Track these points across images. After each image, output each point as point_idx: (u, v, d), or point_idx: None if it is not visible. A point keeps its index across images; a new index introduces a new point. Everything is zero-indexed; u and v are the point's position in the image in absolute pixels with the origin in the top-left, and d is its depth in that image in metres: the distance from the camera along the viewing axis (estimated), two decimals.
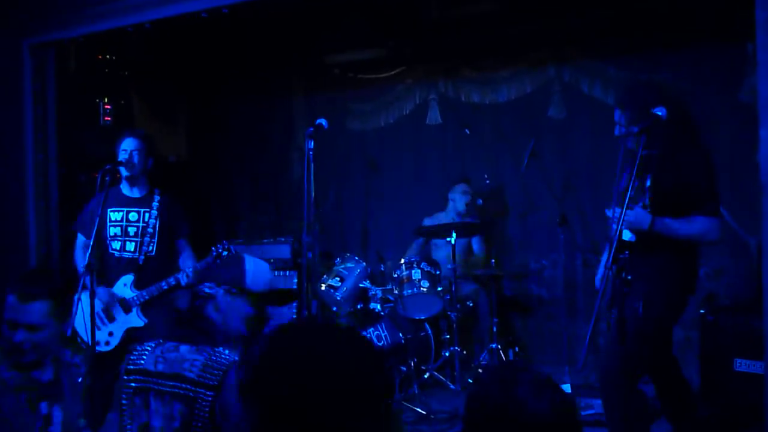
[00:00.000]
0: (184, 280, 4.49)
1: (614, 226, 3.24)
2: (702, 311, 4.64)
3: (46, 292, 2.63)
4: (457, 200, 6.05)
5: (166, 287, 4.51)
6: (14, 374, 2.62)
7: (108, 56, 6.29)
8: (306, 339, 1.51)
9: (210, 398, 2.33)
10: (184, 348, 2.46)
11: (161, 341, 2.51)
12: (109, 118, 6.22)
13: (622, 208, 3.18)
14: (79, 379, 2.87)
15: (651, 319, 3.37)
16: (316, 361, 1.45)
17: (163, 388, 2.39)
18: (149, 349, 2.50)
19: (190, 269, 4.52)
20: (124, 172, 4.54)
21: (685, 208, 3.37)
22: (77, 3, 5.41)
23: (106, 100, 6.22)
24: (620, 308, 3.29)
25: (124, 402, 2.46)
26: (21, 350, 2.60)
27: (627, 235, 3.42)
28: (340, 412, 1.41)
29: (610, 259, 3.08)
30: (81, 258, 4.60)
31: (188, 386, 2.36)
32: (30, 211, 5.60)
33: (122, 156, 4.53)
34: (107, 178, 4.30)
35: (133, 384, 2.45)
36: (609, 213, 3.48)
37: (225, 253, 4.63)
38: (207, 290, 2.65)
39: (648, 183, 3.42)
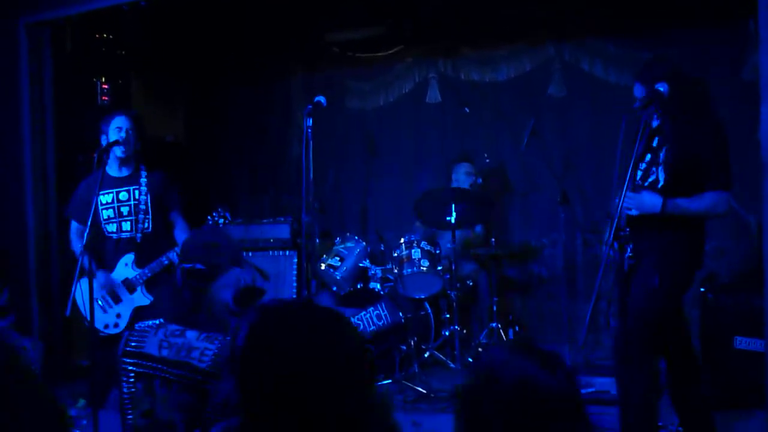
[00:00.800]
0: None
1: (617, 201, 3.23)
2: (702, 289, 4.63)
3: None
4: (461, 181, 6.01)
5: (166, 262, 4.52)
6: None
7: (105, 35, 6.23)
8: (288, 319, 1.51)
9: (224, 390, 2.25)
10: (190, 334, 2.37)
11: (162, 322, 2.46)
12: (106, 98, 6.17)
13: (627, 183, 3.17)
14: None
15: (661, 292, 3.36)
16: (298, 340, 1.44)
17: (170, 376, 2.31)
18: (150, 331, 2.42)
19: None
20: (118, 151, 4.50)
21: (695, 181, 3.36)
22: None
23: (103, 79, 6.16)
24: (625, 284, 3.29)
25: (124, 387, 2.38)
26: None
27: (633, 211, 3.41)
28: (323, 393, 1.40)
29: (611, 235, 3.07)
30: (77, 243, 4.60)
31: (199, 377, 2.28)
32: (27, 191, 5.58)
33: (118, 135, 4.49)
34: (104, 157, 4.27)
35: (133, 368, 2.37)
36: (629, 199, 3.44)
37: (221, 221, 4.63)
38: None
39: (661, 158, 3.40)
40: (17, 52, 5.59)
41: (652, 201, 3.32)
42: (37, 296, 5.56)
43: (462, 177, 6.03)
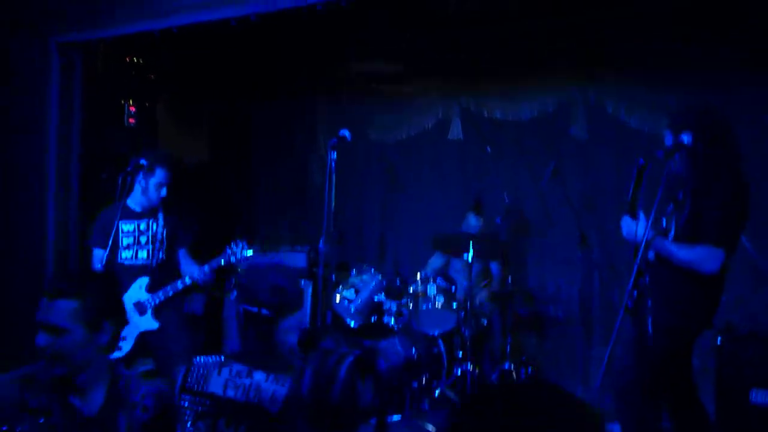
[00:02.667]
0: (201, 278, 4.57)
1: (627, 237, 3.23)
2: (719, 340, 4.58)
3: (73, 290, 2.27)
4: (471, 227, 6.02)
5: (181, 287, 4.58)
6: (42, 399, 2.22)
7: (135, 59, 6.34)
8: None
9: None
10: (258, 375, 2.30)
11: (225, 360, 2.36)
12: (133, 120, 6.27)
13: (646, 231, 3.16)
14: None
15: (657, 342, 3.33)
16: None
17: (239, 417, 2.25)
18: (212, 368, 2.35)
19: (206, 267, 4.56)
20: (154, 203, 4.61)
21: (695, 232, 3.33)
22: (107, 5, 5.47)
23: (131, 101, 6.26)
24: (639, 330, 3.28)
25: (188, 425, 2.30)
26: (44, 358, 2.22)
27: (649, 255, 3.41)
28: None
29: (631, 282, 3.06)
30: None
31: (270, 420, 2.24)
32: (50, 205, 5.65)
33: (157, 193, 4.59)
34: (128, 180, 4.35)
35: (194, 406, 2.30)
36: (623, 224, 3.45)
37: (238, 252, 4.66)
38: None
39: (670, 207, 3.40)
40: (49, 69, 5.69)
41: (640, 231, 3.29)
42: None
43: (471, 225, 6.03)
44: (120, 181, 4.39)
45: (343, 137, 4.26)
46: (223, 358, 2.38)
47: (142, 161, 4.57)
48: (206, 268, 4.60)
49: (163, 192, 4.62)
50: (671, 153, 3.26)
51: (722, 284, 3.49)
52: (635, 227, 3.32)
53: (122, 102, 6.24)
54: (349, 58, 6.92)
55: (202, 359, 2.37)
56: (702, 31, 5.44)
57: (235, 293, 4.53)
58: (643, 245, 3.11)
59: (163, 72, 6.67)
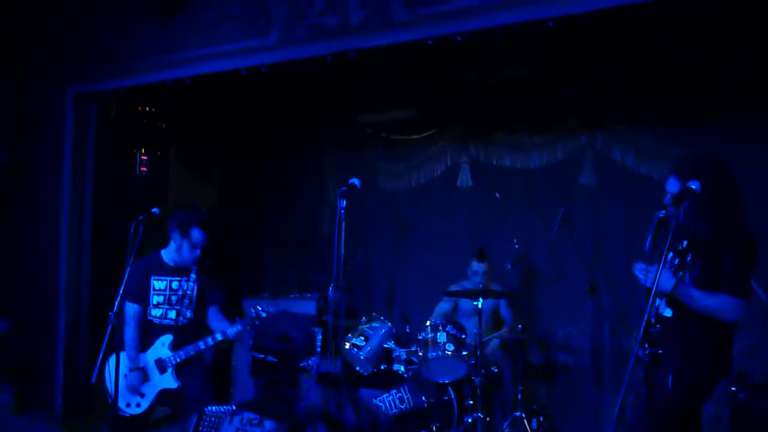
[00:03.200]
0: (219, 339, 4.56)
1: (644, 282, 3.21)
2: (733, 389, 4.54)
3: None
4: (475, 282, 6.02)
5: (203, 347, 4.55)
6: None
7: (147, 108, 6.44)
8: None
9: None
10: (269, 425, 2.29)
11: (236, 409, 2.37)
12: (144, 169, 6.34)
13: (654, 280, 3.15)
14: None
15: (679, 395, 3.30)
16: None
17: None
18: (224, 417, 2.35)
19: (228, 330, 4.53)
20: (178, 260, 4.63)
21: (711, 282, 3.33)
22: (121, 56, 5.59)
23: (143, 150, 6.35)
24: (650, 382, 3.24)
25: None
26: None
27: (667, 312, 3.39)
28: None
29: (641, 332, 3.04)
30: (131, 328, 4.60)
31: None
32: (62, 253, 5.70)
33: (196, 253, 4.62)
34: (140, 229, 4.35)
35: None
36: (637, 271, 3.43)
37: (264, 314, 4.61)
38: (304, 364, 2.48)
39: (689, 256, 3.40)
40: (64, 119, 5.80)
41: (665, 278, 3.28)
42: (63, 359, 5.59)
43: (474, 270, 6.03)
44: (132, 230, 4.41)
45: (353, 185, 4.29)
46: (234, 407, 2.38)
47: (181, 216, 4.64)
48: (229, 332, 4.54)
49: (197, 253, 4.62)
50: (680, 200, 3.26)
51: (734, 332, 3.48)
52: (657, 275, 3.32)
53: (134, 151, 6.32)
54: (358, 108, 7.01)
55: (213, 408, 2.38)
56: (708, 82, 5.50)
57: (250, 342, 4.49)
58: (653, 292, 3.10)
59: (175, 121, 6.77)
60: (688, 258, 3.40)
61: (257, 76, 5.24)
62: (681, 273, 3.40)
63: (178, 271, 4.68)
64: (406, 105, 6.89)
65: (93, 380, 4.00)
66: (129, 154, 6.32)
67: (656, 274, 3.09)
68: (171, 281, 4.66)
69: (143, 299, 4.49)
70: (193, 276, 4.67)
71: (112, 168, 6.10)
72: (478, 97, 6.43)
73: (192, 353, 4.54)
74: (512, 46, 5.27)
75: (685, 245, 3.44)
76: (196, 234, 4.62)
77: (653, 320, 3.28)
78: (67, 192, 5.71)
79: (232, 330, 4.55)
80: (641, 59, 5.42)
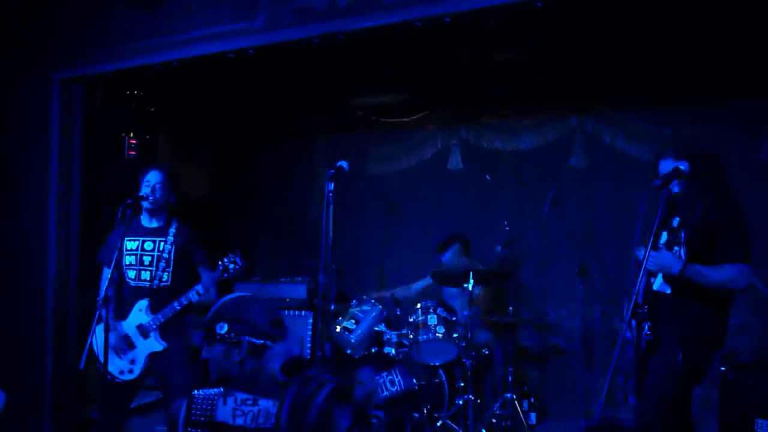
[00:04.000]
0: (195, 298, 4.53)
1: (636, 279, 3.23)
2: (723, 368, 4.55)
3: None
4: (453, 262, 6.04)
5: (179, 307, 4.51)
6: None
7: (135, 92, 6.39)
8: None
9: None
10: (264, 402, 2.31)
11: (226, 390, 2.38)
12: (133, 153, 6.30)
13: (646, 260, 3.17)
14: None
15: (684, 370, 3.34)
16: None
17: None
18: (217, 398, 2.36)
19: (199, 287, 4.53)
20: (145, 204, 4.57)
21: (715, 256, 3.36)
22: (107, 40, 5.53)
23: (131, 135, 6.30)
24: (642, 362, 3.26)
25: None
26: None
27: (657, 285, 3.41)
28: None
29: (629, 313, 3.06)
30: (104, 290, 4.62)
31: None
32: (51, 241, 5.65)
33: (144, 189, 4.57)
34: (128, 212, 4.35)
35: None
36: (638, 253, 3.47)
37: (231, 266, 4.64)
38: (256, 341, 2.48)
39: (682, 238, 3.42)
40: (49, 105, 5.73)
41: (672, 261, 3.34)
42: (52, 347, 5.57)
43: (445, 259, 6.05)
44: (120, 213, 4.39)
45: (341, 168, 4.27)
46: (222, 389, 2.38)
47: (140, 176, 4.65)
48: (200, 287, 4.55)
49: (147, 190, 4.55)
50: (668, 181, 3.29)
51: (729, 308, 3.53)
52: (667, 258, 3.35)
53: (122, 135, 6.27)
54: (348, 91, 6.98)
55: (201, 392, 2.39)
56: (696, 63, 5.49)
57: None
58: (642, 274, 3.12)
59: (164, 106, 6.72)
60: (682, 235, 3.43)
61: (245, 60, 5.19)
62: (675, 248, 3.43)
63: (154, 231, 4.65)
64: (396, 88, 6.86)
65: (81, 366, 4.00)
66: (117, 139, 6.27)
67: (667, 257, 3.12)
68: (144, 241, 4.62)
69: (116, 263, 4.32)
70: (170, 238, 4.63)
71: (100, 153, 6.04)
72: (468, 79, 6.40)
73: (170, 314, 4.50)
74: (501, 27, 5.24)
75: (677, 223, 3.47)
76: (150, 173, 4.61)
77: (641, 301, 3.29)
78: (55, 178, 5.66)
79: (205, 282, 4.56)
80: (630, 41, 5.40)
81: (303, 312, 6.28)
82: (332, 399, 2.22)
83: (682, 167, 3.30)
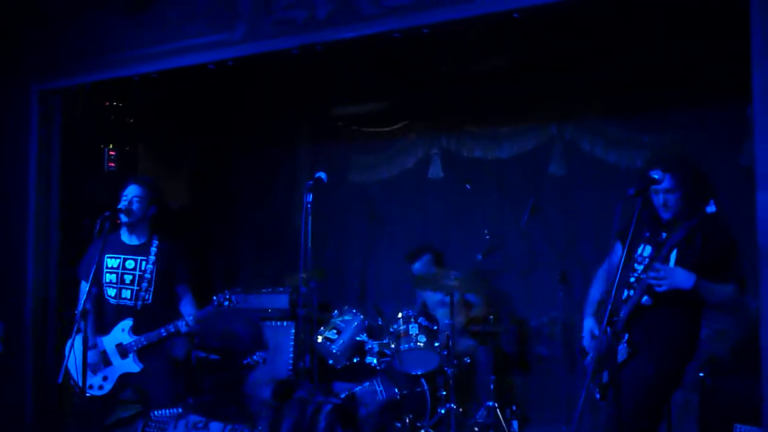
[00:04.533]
0: (183, 328, 4.50)
1: (611, 290, 3.26)
2: (701, 374, 4.58)
3: None
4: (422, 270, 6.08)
5: (165, 334, 4.50)
6: None
7: (114, 103, 6.36)
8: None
9: None
10: (215, 427, 2.21)
11: (182, 412, 2.30)
12: (113, 164, 6.27)
13: (619, 270, 3.18)
14: None
15: (656, 383, 3.36)
16: None
17: None
18: (169, 422, 2.28)
19: (191, 317, 4.52)
20: (123, 218, 4.55)
21: (716, 273, 3.40)
22: (86, 52, 5.51)
23: (110, 146, 6.27)
24: (613, 370, 3.28)
25: None
26: None
27: (647, 301, 3.44)
28: None
29: (605, 321, 3.08)
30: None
31: None
32: (29, 254, 5.61)
33: (122, 203, 4.56)
34: (106, 225, 4.34)
35: None
36: (651, 280, 3.45)
37: (226, 303, 4.62)
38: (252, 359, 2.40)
39: (675, 252, 3.44)
40: (28, 116, 5.71)
41: (685, 275, 3.33)
42: (32, 362, 5.53)
43: (423, 270, 6.11)
44: (98, 226, 4.38)
45: (319, 179, 4.30)
46: (181, 409, 2.32)
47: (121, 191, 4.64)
48: (190, 318, 4.53)
49: (124, 203, 4.55)
50: (642, 190, 3.30)
51: (700, 320, 3.56)
52: (679, 273, 3.36)
53: (101, 147, 6.24)
54: (328, 101, 6.99)
55: (159, 413, 2.33)
56: (674, 69, 5.54)
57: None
58: (615, 283, 3.13)
59: (143, 116, 6.70)
60: (673, 254, 3.44)
61: (225, 71, 5.20)
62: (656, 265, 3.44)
63: (135, 249, 4.63)
64: (376, 97, 6.88)
65: (59, 380, 3.98)
66: (96, 151, 6.23)
67: (615, 280, 3.14)
68: (125, 260, 4.61)
69: (95, 278, 4.35)
70: (152, 257, 4.61)
71: (80, 165, 6.01)
72: (448, 88, 6.42)
73: (154, 340, 4.49)
74: (480, 38, 5.27)
75: (663, 237, 3.48)
76: (129, 188, 4.61)
77: (617, 311, 3.32)
78: (33, 190, 5.62)
79: (197, 315, 4.53)
80: (607, 48, 5.44)
81: (285, 323, 6.26)
82: (335, 419, 2.17)
83: (656, 176, 3.32)
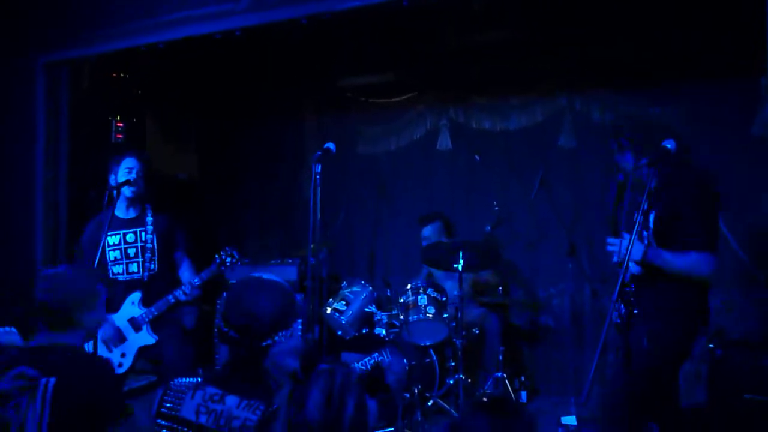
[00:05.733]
0: (189, 291, 4.51)
1: (617, 258, 3.23)
2: (711, 345, 4.57)
3: None
4: (431, 238, 6.06)
5: (173, 301, 4.52)
6: None
7: (121, 75, 6.33)
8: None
9: None
10: (231, 400, 2.18)
11: (200, 382, 2.26)
12: (120, 136, 6.25)
13: (629, 238, 3.16)
14: None
15: (656, 354, 3.33)
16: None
17: None
18: (187, 392, 2.24)
19: (196, 279, 4.53)
20: (127, 192, 4.54)
21: (679, 240, 3.34)
22: (92, 23, 5.48)
23: (118, 118, 6.25)
24: (624, 342, 3.27)
25: None
26: None
27: (633, 268, 3.40)
28: None
29: (616, 292, 3.06)
30: None
31: None
32: (38, 228, 5.62)
33: (128, 175, 4.54)
34: (114, 197, 4.33)
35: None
36: (610, 245, 3.45)
37: (229, 260, 4.64)
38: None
39: (651, 215, 3.41)
40: (35, 89, 5.69)
41: (634, 247, 3.29)
42: None
43: (424, 236, 6.07)
44: (106, 197, 4.38)
45: (328, 150, 4.26)
46: (200, 379, 2.27)
47: (110, 161, 4.65)
48: (196, 280, 4.56)
49: (132, 176, 4.55)
50: (657, 160, 3.26)
51: (708, 288, 3.51)
52: (622, 245, 3.33)
53: (109, 118, 6.21)
54: (336, 71, 6.94)
55: (178, 381, 2.28)
56: (686, 42, 5.48)
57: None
58: (627, 257, 3.10)
59: (151, 88, 6.66)
60: (651, 217, 3.41)
61: (232, 40, 5.16)
62: (645, 233, 3.42)
63: (132, 222, 4.64)
64: (384, 68, 6.83)
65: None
66: (104, 122, 6.20)
67: (629, 243, 3.11)
68: (125, 234, 4.61)
69: (95, 259, 4.30)
70: (149, 227, 4.62)
71: (87, 137, 5.99)
72: (457, 59, 6.36)
73: (164, 308, 4.52)
74: (489, 7, 5.21)
75: (646, 206, 3.44)
76: (129, 160, 4.60)
77: (627, 280, 3.29)
78: (41, 164, 5.62)
79: (202, 276, 4.56)
80: (620, 20, 5.38)
81: (292, 296, 6.25)
82: (363, 390, 2.13)
83: (669, 146, 3.27)
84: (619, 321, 3.32)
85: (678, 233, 3.33)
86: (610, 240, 3.42)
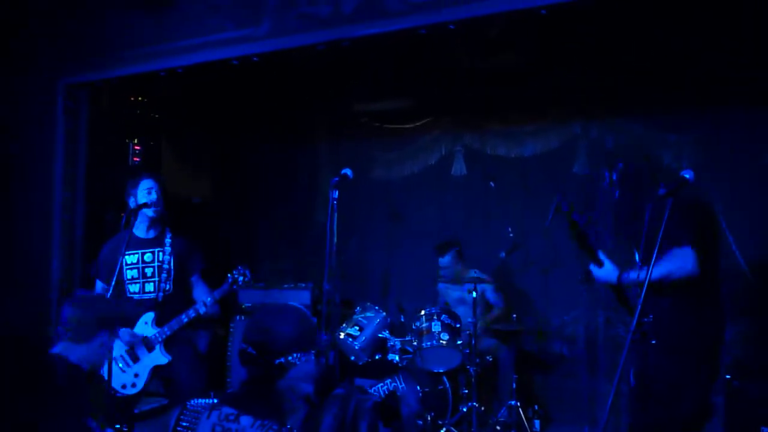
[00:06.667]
0: (202, 310, 4.52)
1: (636, 289, 3.22)
2: (728, 376, 4.54)
3: None
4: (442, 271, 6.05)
5: (186, 320, 4.52)
6: None
7: (140, 98, 6.40)
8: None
9: None
10: (245, 420, 2.18)
11: (217, 403, 2.27)
12: (137, 159, 6.30)
13: (650, 269, 3.15)
14: None
15: (672, 386, 3.32)
16: None
17: None
18: (203, 412, 2.26)
19: (208, 298, 4.53)
20: (149, 213, 4.57)
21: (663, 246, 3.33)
22: (114, 46, 5.55)
23: (135, 140, 6.31)
24: (641, 372, 3.25)
25: None
26: None
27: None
28: None
29: (634, 323, 3.05)
30: None
31: None
32: (55, 247, 5.66)
33: (148, 197, 4.57)
34: (132, 218, 4.36)
35: None
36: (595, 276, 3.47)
37: (241, 278, 4.64)
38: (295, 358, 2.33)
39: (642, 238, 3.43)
40: (55, 110, 5.76)
41: (609, 273, 3.34)
42: None
43: (441, 266, 6.09)
44: (124, 219, 4.41)
45: (345, 175, 4.27)
46: (216, 400, 2.31)
47: (128, 183, 4.68)
48: (208, 299, 4.56)
49: (153, 196, 4.58)
50: (676, 189, 3.26)
51: (721, 307, 3.49)
52: (605, 271, 3.36)
53: (126, 141, 6.27)
54: (352, 97, 6.98)
55: (195, 401, 2.32)
56: (701, 69, 5.49)
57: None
58: (646, 284, 3.09)
59: (167, 110, 6.73)
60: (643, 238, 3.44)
61: (249, 66, 5.21)
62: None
63: (151, 242, 4.66)
64: (399, 94, 6.87)
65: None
66: (121, 145, 6.28)
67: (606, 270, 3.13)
68: (143, 254, 4.63)
69: (112, 277, 4.30)
70: (167, 248, 4.64)
71: (105, 159, 6.06)
72: (472, 85, 6.40)
73: (176, 327, 4.52)
74: (505, 34, 5.24)
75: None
76: (147, 181, 4.63)
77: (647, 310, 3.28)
78: (60, 184, 5.68)
79: (215, 294, 4.56)
80: (634, 47, 5.40)
81: (310, 321, 6.24)
82: (377, 418, 2.13)
83: (687, 176, 3.28)
84: (640, 347, 3.31)
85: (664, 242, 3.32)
86: (593, 268, 3.45)
